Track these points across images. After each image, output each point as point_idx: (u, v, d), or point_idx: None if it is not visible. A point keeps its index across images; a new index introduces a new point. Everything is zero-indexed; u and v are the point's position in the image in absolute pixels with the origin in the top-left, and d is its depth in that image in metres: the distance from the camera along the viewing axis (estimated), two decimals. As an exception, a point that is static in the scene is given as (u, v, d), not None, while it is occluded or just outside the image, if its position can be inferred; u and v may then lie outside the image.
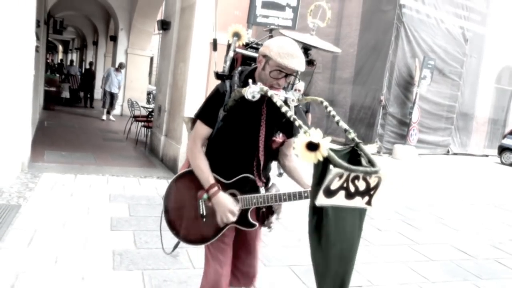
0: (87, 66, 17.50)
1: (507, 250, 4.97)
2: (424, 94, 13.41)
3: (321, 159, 1.37)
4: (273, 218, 2.10)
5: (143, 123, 9.18)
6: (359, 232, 1.64)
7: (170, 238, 2.21)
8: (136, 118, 9.61)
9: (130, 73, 13.87)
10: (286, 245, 4.17)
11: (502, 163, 14.81)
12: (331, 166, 1.35)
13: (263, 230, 2.23)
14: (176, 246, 2.27)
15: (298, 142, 1.40)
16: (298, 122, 1.58)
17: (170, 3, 7.87)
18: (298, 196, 1.93)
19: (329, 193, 1.39)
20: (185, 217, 2.08)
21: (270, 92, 1.74)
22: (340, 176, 1.36)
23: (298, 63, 1.83)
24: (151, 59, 20.33)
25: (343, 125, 1.70)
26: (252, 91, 1.76)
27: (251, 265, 2.27)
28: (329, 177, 1.35)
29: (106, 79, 12.37)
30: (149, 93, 17.07)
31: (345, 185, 1.40)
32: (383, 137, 12.60)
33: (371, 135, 12.48)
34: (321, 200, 1.40)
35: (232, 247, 2.15)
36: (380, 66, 12.73)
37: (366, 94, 12.97)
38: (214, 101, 2.00)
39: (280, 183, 2.18)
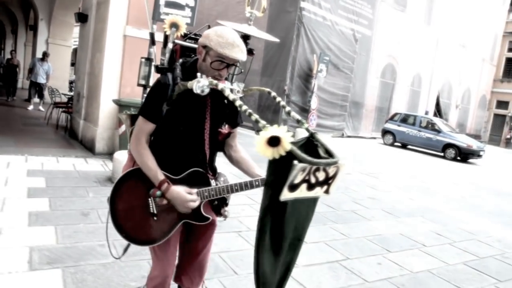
0: (8, 56, 16.26)
1: (364, 204, 5.91)
2: (321, 85, 14.53)
3: (283, 153, 1.25)
4: (225, 206, 1.99)
5: (63, 109, 9.09)
6: (310, 220, 1.58)
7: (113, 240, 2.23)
8: (56, 104, 9.47)
9: (52, 62, 13.33)
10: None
11: (384, 143, 16.52)
12: (295, 161, 1.24)
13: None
14: (126, 250, 2.10)
15: (260, 137, 1.27)
16: (254, 117, 1.45)
17: (87, -3, 7.90)
18: (249, 185, 1.82)
19: (293, 187, 1.29)
20: (135, 218, 1.88)
21: (221, 86, 1.60)
22: (303, 170, 1.27)
23: (239, 52, 1.71)
24: (76, 50, 19.50)
25: (295, 115, 1.65)
26: (201, 86, 1.62)
27: (205, 262, 2.19)
28: (293, 172, 1.24)
29: (31, 70, 11.65)
30: (71, 82, 16.48)
31: (307, 177, 1.31)
32: (287, 122, 13.46)
33: (276, 120, 13.31)
34: (286, 195, 1.29)
35: (186, 242, 2.09)
36: (284, 60, 13.59)
37: (272, 84, 13.76)
38: (156, 95, 1.79)
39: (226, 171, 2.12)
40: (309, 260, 3.58)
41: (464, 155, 14.57)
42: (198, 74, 1.68)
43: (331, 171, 1.36)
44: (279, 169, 1.30)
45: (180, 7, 5.10)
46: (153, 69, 5.33)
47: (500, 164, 16.91)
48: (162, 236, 1.86)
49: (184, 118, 1.81)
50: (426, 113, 19.67)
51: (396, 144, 16.43)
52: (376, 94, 18.29)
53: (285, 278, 1.61)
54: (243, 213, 4.60)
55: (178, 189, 1.78)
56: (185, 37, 2.00)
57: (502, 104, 31.09)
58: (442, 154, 15.01)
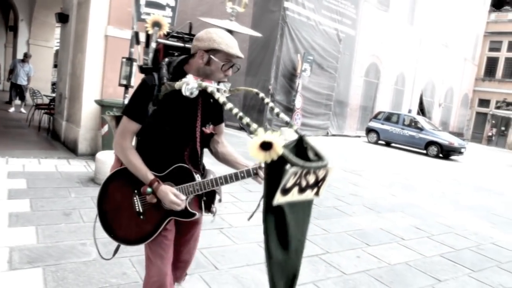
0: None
1: (346, 201, 6.03)
2: (306, 85, 14.66)
3: (275, 158, 1.29)
4: (216, 204, 2.01)
5: (45, 111, 9.02)
6: (308, 223, 1.61)
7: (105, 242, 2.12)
8: (38, 106, 9.39)
9: (34, 64, 13.19)
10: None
11: (369, 141, 16.75)
12: (287, 166, 1.27)
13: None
14: (116, 250, 2.10)
15: (252, 142, 1.29)
16: (246, 120, 1.49)
17: (68, -2, 7.87)
18: (234, 177, 1.79)
19: (285, 191, 1.31)
20: (122, 218, 1.90)
21: (210, 88, 1.62)
22: (295, 174, 1.29)
23: (239, 50, 1.78)
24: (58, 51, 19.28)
25: (284, 117, 1.70)
26: (190, 88, 1.63)
27: (190, 258, 2.20)
28: (286, 176, 1.27)
29: (12, 71, 11.48)
30: (54, 83, 16.31)
31: (298, 181, 1.33)
32: (271, 121, 13.60)
33: (261, 119, 13.40)
34: (278, 199, 1.32)
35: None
36: (268, 59, 13.69)
37: (257, 83, 13.83)
38: (141, 95, 1.79)
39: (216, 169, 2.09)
40: (289, 255, 3.66)
41: (446, 152, 14.86)
42: (188, 76, 1.68)
43: (321, 173, 1.39)
44: (271, 173, 1.34)
45: (160, 7, 5.14)
46: (135, 69, 5.37)
47: (481, 161, 17.28)
48: (150, 235, 1.86)
49: (172, 118, 1.81)
50: (409, 111, 19.97)
51: (380, 142, 16.67)
52: (360, 93, 18.51)
53: (293, 281, 1.58)
54: (225, 211, 4.66)
55: (167, 188, 1.78)
56: (168, 35, 1.87)
57: (483, 103, 31.73)
58: (424, 151, 15.28)
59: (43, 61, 13.76)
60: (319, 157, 1.42)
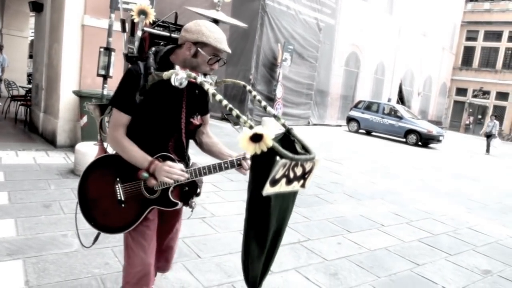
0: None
1: (327, 189, 6.12)
2: (286, 74, 14.70)
3: (265, 149, 1.31)
4: (195, 196, 1.98)
5: (21, 102, 8.81)
6: (291, 212, 1.66)
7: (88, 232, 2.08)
8: (14, 97, 9.17)
9: (8, 54, 12.82)
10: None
11: (349, 130, 16.95)
12: (277, 158, 1.31)
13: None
14: (96, 238, 2.11)
15: (243, 134, 1.31)
16: (235, 112, 1.50)
17: (43, -15, 7.66)
18: (218, 168, 1.79)
19: (274, 182, 1.35)
20: (103, 206, 1.89)
21: (199, 79, 1.61)
22: (284, 165, 1.33)
23: (227, 45, 1.76)
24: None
25: (271, 110, 1.71)
26: (179, 78, 1.61)
27: (171, 247, 2.18)
28: (275, 168, 1.30)
29: None
30: (29, 74, 15.90)
31: (286, 172, 1.37)
32: (253, 111, 13.62)
33: (242, 109, 13.39)
34: (267, 190, 1.35)
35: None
36: (249, 49, 13.65)
37: (238, 73, 13.79)
38: (128, 85, 1.76)
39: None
40: (272, 242, 3.72)
41: (424, 140, 15.18)
42: (177, 67, 1.70)
43: (308, 166, 1.44)
44: (260, 165, 1.37)
45: (138, -4, 5.06)
46: (113, 58, 5.29)
47: (458, 148, 17.71)
48: (131, 223, 1.86)
49: (158, 108, 1.80)
50: (389, 100, 20.29)
51: (360, 131, 16.89)
52: (341, 82, 18.68)
53: (267, 267, 1.67)
54: (208, 200, 4.68)
55: (166, 163, 1.75)
56: (153, 24, 1.95)
57: (461, 91, 32.44)
58: (404, 139, 15.57)
59: (18, 51, 13.38)
60: (306, 150, 1.46)
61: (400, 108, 16.71)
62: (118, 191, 1.86)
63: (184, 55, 1.76)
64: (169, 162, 1.76)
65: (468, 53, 32.41)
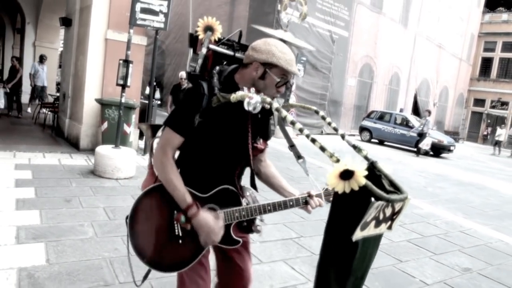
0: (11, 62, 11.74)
1: (327, 193, 6.37)
2: (300, 85, 15.03)
3: (356, 188, 1.15)
4: (258, 221, 1.81)
5: (50, 109, 9.43)
6: (374, 256, 1.44)
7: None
8: (44, 104, 9.82)
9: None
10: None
11: (362, 140, 17.10)
12: (372, 199, 1.16)
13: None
14: (146, 276, 1.82)
15: (333, 169, 1.17)
16: (318, 144, 1.33)
17: (71, 2, 8.24)
18: (283, 206, 1.69)
19: (364, 225, 1.20)
20: (157, 241, 1.67)
21: (275, 105, 1.43)
22: (377, 207, 1.19)
23: (296, 67, 1.63)
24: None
25: (350, 141, 1.53)
26: (254, 103, 1.45)
27: (245, 277, 1.86)
28: (369, 210, 1.16)
29: (34, 75, 11.35)
30: (58, 83, 16.71)
31: (377, 214, 1.23)
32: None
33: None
34: (358, 234, 1.21)
35: (220, 274, 1.88)
36: (264, 61, 14.03)
37: (253, 84, 14.20)
38: (189, 106, 1.59)
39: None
40: (266, 238, 4.02)
41: (436, 150, 15.20)
42: (252, 90, 1.55)
43: (397, 206, 1.29)
44: (347, 205, 1.22)
45: (154, 13, 5.53)
46: (131, 70, 5.74)
47: (470, 158, 17.59)
48: (187, 262, 1.67)
49: (222, 132, 1.63)
50: (401, 110, 20.31)
51: (373, 140, 17.01)
52: (354, 93, 18.87)
53: None
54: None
55: (206, 217, 1.58)
56: (218, 42, 1.73)
57: (479, 102, 32.02)
58: (415, 149, 15.60)
59: (49, 62, 14.11)
60: (395, 187, 1.30)
61: (411, 118, 16.79)
62: (176, 224, 1.65)
63: (251, 75, 1.60)
64: (209, 219, 1.60)
65: (486, 64, 32.02)
